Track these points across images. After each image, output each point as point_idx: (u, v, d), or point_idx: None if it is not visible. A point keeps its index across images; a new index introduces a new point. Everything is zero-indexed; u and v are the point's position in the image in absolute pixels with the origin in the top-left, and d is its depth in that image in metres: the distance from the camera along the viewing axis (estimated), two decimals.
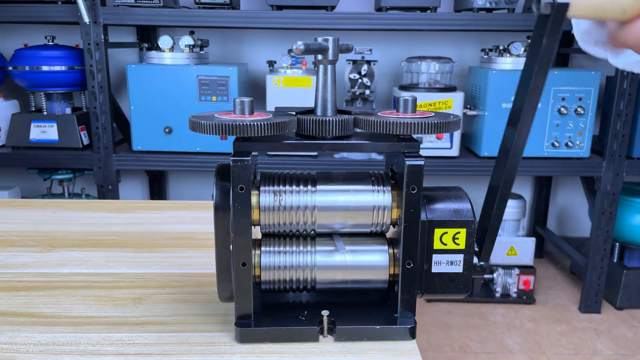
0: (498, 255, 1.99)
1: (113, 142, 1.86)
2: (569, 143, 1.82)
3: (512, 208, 2.04)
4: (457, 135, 1.86)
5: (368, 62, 1.92)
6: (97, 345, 0.53)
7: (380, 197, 0.51)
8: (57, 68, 1.85)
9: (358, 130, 0.51)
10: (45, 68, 1.84)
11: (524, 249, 2.00)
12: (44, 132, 1.87)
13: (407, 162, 0.47)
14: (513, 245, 1.99)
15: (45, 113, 1.92)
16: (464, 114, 1.88)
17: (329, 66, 0.50)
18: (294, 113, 0.52)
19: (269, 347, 0.53)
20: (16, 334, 0.55)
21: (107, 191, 1.88)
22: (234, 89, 1.81)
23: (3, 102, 1.95)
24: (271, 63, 1.91)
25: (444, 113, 0.51)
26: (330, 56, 0.49)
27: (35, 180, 2.25)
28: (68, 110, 1.94)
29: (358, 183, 0.52)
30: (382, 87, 2.21)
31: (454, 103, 1.84)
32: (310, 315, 0.54)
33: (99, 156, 1.86)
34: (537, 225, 2.44)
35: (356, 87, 1.92)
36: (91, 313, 0.59)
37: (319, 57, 0.49)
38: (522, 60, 1.82)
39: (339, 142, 0.50)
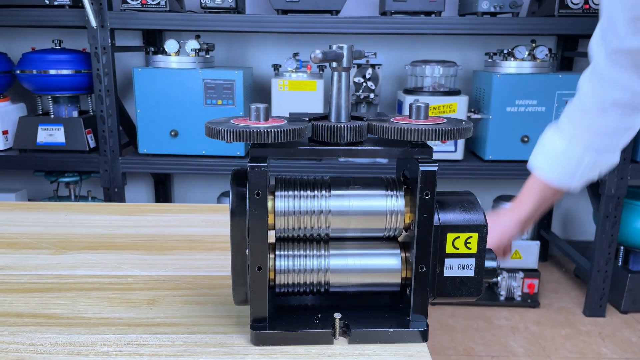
0: None
1: (119, 145, 1.87)
2: None
3: None
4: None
5: (372, 66, 1.93)
6: (112, 346, 0.54)
7: (394, 202, 0.52)
8: (64, 72, 1.86)
9: (370, 135, 0.52)
10: (52, 72, 1.85)
11: (528, 253, 2.00)
12: (51, 135, 1.88)
13: (421, 168, 0.48)
14: (517, 248, 2.00)
15: (52, 116, 1.93)
16: (468, 117, 1.89)
17: (344, 73, 0.51)
18: (308, 119, 0.53)
19: (281, 348, 0.54)
20: (33, 334, 0.56)
21: (114, 194, 1.89)
22: (239, 93, 1.82)
23: (10, 105, 1.96)
24: (276, 67, 1.92)
25: (455, 119, 0.51)
26: (344, 63, 0.50)
27: (42, 182, 2.26)
28: (75, 114, 1.95)
29: (371, 188, 0.53)
30: (386, 91, 2.22)
31: (458, 106, 1.84)
32: (324, 318, 0.55)
33: (105, 159, 1.87)
34: (541, 229, 2.44)
35: (361, 91, 1.93)
36: (106, 314, 0.60)
37: (334, 64, 0.50)
38: (527, 64, 1.83)
39: (353, 148, 0.51)
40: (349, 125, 0.50)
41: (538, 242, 2.01)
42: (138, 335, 0.56)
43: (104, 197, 1.92)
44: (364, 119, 0.53)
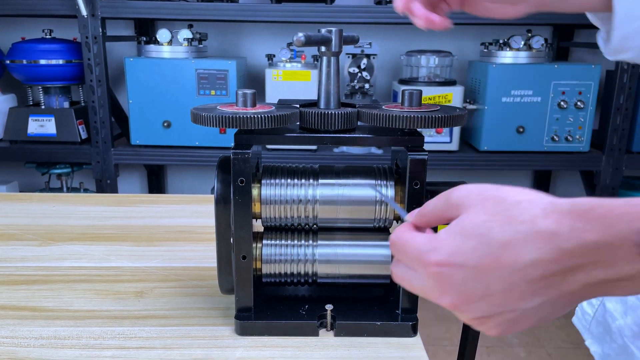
0: None
1: (111, 136, 1.85)
2: (569, 137, 1.82)
3: None
4: (456, 129, 1.85)
5: (367, 56, 1.91)
6: (98, 339, 0.53)
7: (384, 191, 0.51)
8: (55, 62, 1.83)
9: (361, 123, 0.51)
10: (42, 62, 1.83)
11: None
12: (41, 126, 1.86)
13: (410, 157, 0.47)
14: None
15: (43, 107, 1.91)
16: (464, 107, 1.87)
17: (332, 58, 0.49)
18: (298, 105, 0.51)
19: (271, 340, 0.53)
20: (17, 327, 0.55)
21: (106, 185, 1.88)
22: (233, 83, 1.80)
23: (0, 96, 1.93)
24: (270, 57, 1.90)
25: (449, 106, 0.50)
26: (333, 48, 0.48)
27: (33, 174, 2.24)
28: (66, 104, 1.93)
29: (360, 177, 0.52)
30: (381, 81, 2.20)
31: (453, 97, 1.83)
32: (311, 310, 0.54)
33: (97, 150, 1.85)
34: None
35: (355, 81, 1.92)
36: (92, 307, 0.59)
37: (322, 48, 0.49)
38: (522, 54, 1.82)
39: (342, 135, 0.49)
40: (338, 112, 0.48)
41: None
42: (125, 328, 0.55)
43: (97, 188, 1.90)
44: (355, 106, 0.51)
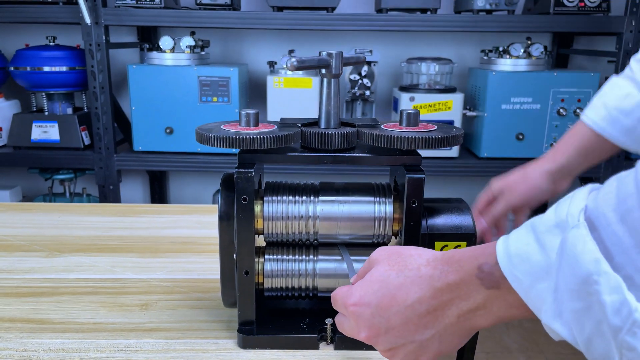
0: None
1: (114, 142, 1.87)
2: None
3: None
4: None
5: (368, 63, 1.93)
6: (105, 352, 0.54)
7: (382, 208, 0.52)
8: (59, 68, 1.85)
9: (361, 142, 0.52)
10: (46, 68, 1.84)
11: None
12: (45, 132, 1.87)
13: (408, 176, 0.48)
14: None
15: (46, 113, 1.92)
16: (464, 114, 1.89)
17: (333, 80, 0.51)
18: (299, 125, 0.53)
19: (273, 353, 0.54)
20: (26, 340, 0.56)
21: (108, 191, 1.89)
22: (235, 90, 1.81)
23: (4, 102, 1.95)
24: (272, 64, 1.91)
25: (446, 126, 0.52)
26: (333, 70, 0.50)
27: (36, 180, 2.26)
28: (69, 111, 1.95)
29: (360, 194, 0.53)
30: (382, 88, 2.22)
31: (453, 104, 1.84)
32: (312, 323, 0.56)
33: (100, 156, 1.86)
34: None
35: (356, 88, 1.93)
36: (99, 319, 0.61)
37: (323, 71, 0.50)
38: (522, 61, 1.83)
39: (342, 154, 0.51)
40: (338, 132, 0.50)
41: None
42: (131, 341, 0.56)
43: (99, 194, 1.92)
44: (355, 126, 0.53)
